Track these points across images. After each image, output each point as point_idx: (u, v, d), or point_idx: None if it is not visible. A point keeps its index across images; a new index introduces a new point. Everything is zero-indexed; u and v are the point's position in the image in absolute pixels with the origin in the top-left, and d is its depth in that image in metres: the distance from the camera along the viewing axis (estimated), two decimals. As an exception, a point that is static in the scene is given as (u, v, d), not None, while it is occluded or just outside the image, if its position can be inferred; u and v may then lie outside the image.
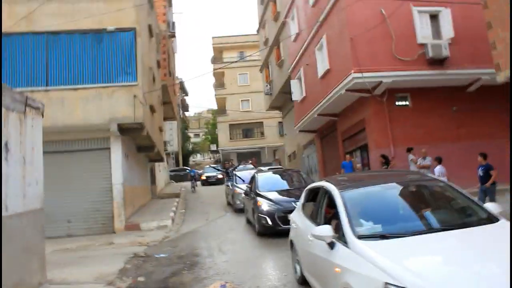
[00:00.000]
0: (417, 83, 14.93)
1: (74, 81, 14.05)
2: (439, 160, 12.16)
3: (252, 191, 12.70)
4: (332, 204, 5.16)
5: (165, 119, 27.71)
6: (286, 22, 24.18)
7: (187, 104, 62.94)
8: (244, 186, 15.69)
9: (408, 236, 4.18)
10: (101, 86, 14.03)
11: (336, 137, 19.59)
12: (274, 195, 11.58)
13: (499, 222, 4.43)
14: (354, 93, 15.27)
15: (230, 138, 50.97)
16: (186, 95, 61.49)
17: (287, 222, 9.45)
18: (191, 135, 73.21)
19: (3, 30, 13.83)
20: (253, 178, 13.71)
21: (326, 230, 4.52)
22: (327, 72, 17.18)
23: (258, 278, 7.19)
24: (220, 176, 32.12)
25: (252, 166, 22.66)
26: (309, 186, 6.85)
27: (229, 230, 13.05)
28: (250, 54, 36.87)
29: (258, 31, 34.77)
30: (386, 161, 14.01)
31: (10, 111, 5.80)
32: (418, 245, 4.07)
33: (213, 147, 61.10)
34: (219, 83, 52.11)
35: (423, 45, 14.76)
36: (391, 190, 5.30)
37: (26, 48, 14.10)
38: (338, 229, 4.56)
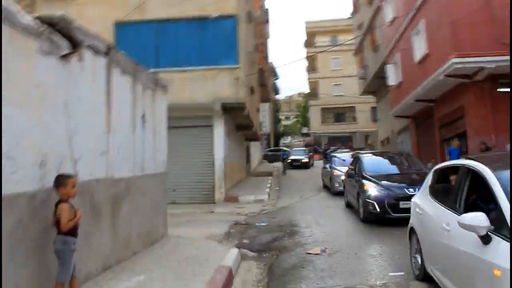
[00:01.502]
0: (523, 68, 14.35)
1: (182, 64, 15.27)
2: (542, 149, 11.76)
3: (357, 174, 11.80)
4: (476, 187, 4.33)
5: (261, 101, 28.77)
6: (381, 6, 23.92)
7: (278, 87, 63.97)
8: (343, 168, 15.11)
9: None
10: (206, 68, 15.18)
11: (432, 124, 19.29)
12: (383, 179, 10.52)
13: None
14: (454, 78, 15.02)
15: (322, 122, 51.41)
16: (277, 78, 62.53)
17: (397, 210, 9.30)
18: (282, 117, 74.31)
19: (118, 19, 15.50)
20: (357, 160, 12.83)
21: (481, 219, 3.46)
22: (425, 57, 16.96)
23: (356, 247, 7.66)
24: (305, 159, 31.45)
25: (348, 150, 22.89)
26: (440, 166, 5.86)
27: (325, 208, 13.43)
28: (345, 42, 36.64)
29: (352, 15, 34.50)
30: (486, 148, 13.73)
31: (146, 88, 6.87)
32: None
33: (304, 130, 61.70)
34: (312, 67, 52.42)
35: (531, 28, 14.13)
36: None
37: (138, 35, 15.63)
38: (494, 219, 3.57)
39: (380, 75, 25.43)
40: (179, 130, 15.48)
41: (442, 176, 5.63)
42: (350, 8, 33.82)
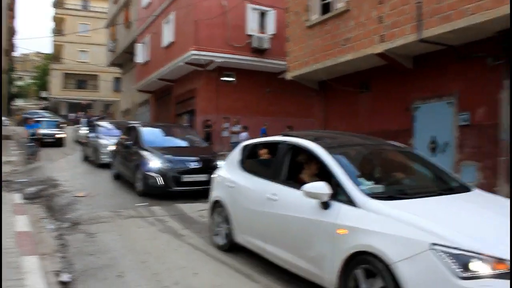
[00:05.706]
0: (241, 65, 18.74)
1: None
2: (245, 128, 16.16)
3: (135, 145, 10.91)
4: (296, 160, 5.12)
5: (2, 59, 27.36)
6: (138, -13, 25.95)
7: (15, 44, 58.90)
8: (111, 139, 14.35)
9: (414, 198, 4.06)
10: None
11: (170, 100, 22.73)
12: (164, 152, 10.12)
13: (475, 190, 4.60)
14: (191, 66, 18.54)
15: (63, 87, 50.15)
16: (15, 34, 57.52)
17: (180, 183, 9.55)
18: (15, 77, 68.34)
19: None
20: (132, 130, 11.88)
21: (323, 187, 4.03)
22: (171, 44, 20.11)
23: (112, 192, 10.30)
24: (60, 135, 23.94)
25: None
26: (251, 142, 6.27)
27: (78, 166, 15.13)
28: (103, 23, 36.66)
29: (108, -13, 35.22)
30: (208, 125, 17.65)
31: None
32: (436, 206, 3.93)
33: (43, 94, 58.55)
34: (58, 29, 50.39)
35: (250, 36, 18.54)
36: (369, 152, 5.29)
37: None
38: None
39: (129, 51, 27.59)
40: None
41: (255, 150, 6.18)
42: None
